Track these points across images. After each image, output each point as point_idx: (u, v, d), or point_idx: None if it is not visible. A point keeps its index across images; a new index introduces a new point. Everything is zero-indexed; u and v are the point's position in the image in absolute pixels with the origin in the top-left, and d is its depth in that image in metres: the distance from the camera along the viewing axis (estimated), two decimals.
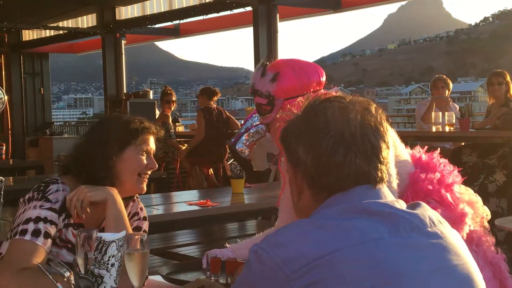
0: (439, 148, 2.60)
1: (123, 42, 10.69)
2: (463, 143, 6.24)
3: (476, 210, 2.35)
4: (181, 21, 10.21)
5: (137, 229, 2.21)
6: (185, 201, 4.45)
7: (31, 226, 1.94)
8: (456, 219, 2.29)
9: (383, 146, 1.34)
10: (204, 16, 9.00)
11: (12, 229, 2.00)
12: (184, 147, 8.12)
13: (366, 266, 1.17)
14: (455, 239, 1.32)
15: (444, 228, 1.32)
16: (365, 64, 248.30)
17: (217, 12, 8.70)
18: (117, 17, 10.84)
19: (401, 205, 1.32)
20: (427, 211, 1.33)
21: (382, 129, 1.34)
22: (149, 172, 2.14)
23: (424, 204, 1.36)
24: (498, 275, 2.29)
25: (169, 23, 10.52)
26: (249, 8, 8.17)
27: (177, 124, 9.38)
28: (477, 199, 2.38)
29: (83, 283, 1.49)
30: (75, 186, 2.06)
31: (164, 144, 7.87)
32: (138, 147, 2.10)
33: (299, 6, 8.57)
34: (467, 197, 2.37)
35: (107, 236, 1.51)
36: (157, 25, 10.56)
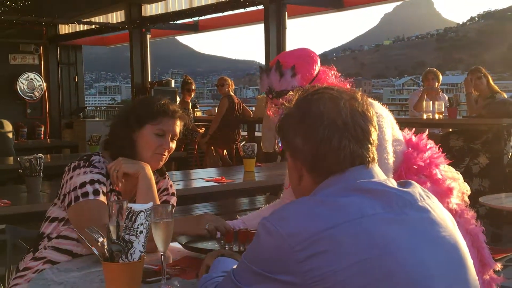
0: (427, 130, 2.59)
1: (148, 36, 10.65)
2: (450, 129, 6.21)
3: (458, 186, 2.35)
4: (200, 18, 10.16)
5: (165, 202, 2.21)
6: (203, 177, 4.47)
7: (89, 188, 1.95)
8: (443, 193, 2.29)
9: (372, 129, 1.34)
10: (221, 13, 8.95)
11: (64, 195, 1.99)
12: (201, 130, 8.13)
13: (363, 239, 1.17)
14: (442, 212, 1.32)
15: (432, 202, 1.32)
16: (363, 58, 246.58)
17: (232, 10, 8.64)
18: (143, 14, 10.79)
19: (393, 183, 1.32)
20: (416, 188, 1.33)
21: (369, 114, 1.34)
22: (165, 152, 2.11)
23: (413, 182, 1.35)
24: (476, 244, 2.29)
25: (189, 20, 10.47)
26: (260, 7, 8.12)
27: (195, 109, 9.37)
28: (459, 177, 2.38)
29: (115, 247, 1.49)
30: (111, 160, 2.07)
31: (184, 128, 7.87)
32: (154, 126, 2.08)
33: (306, 5, 8.50)
34: (450, 174, 2.37)
35: (136, 206, 1.51)
36: (178, 21, 10.52)
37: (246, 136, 8.58)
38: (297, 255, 1.16)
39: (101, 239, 1.51)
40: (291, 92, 1.44)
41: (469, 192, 2.38)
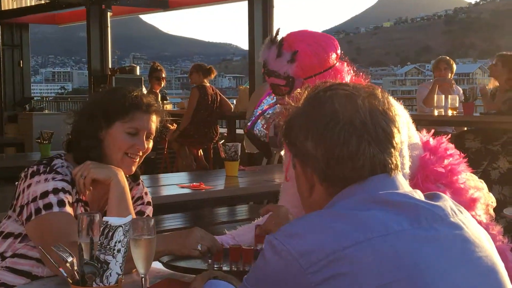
0: (450, 135, 2.62)
1: (109, 14, 10.59)
2: (465, 128, 6.27)
3: (483, 196, 2.39)
4: None
5: (140, 213, 2.20)
6: (177, 183, 4.45)
7: (53, 198, 1.93)
8: (466, 205, 2.32)
9: (395, 130, 1.34)
10: None
11: (21, 206, 1.96)
12: (173, 127, 8.10)
13: (389, 260, 1.18)
14: (477, 230, 1.33)
15: (465, 218, 1.33)
16: (359, 42, 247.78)
17: None
18: None
19: (419, 195, 1.32)
20: (447, 201, 1.34)
21: (390, 113, 1.35)
22: (139, 153, 2.10)
23: (443, 195, 1.36)
24: (504, 264, 2.33)
25: None
26: None
27: (165, 102, 9.34)
28: (483, 186, 2.42)
29: (88, 269, 1.48)
30: (75, 164, 2.06)
31: (161, 124, 7.83)
32: (125, 124, 2.06)
33: None
34: (473, 183, 2.40)
35: (113, 220, 1.50)
36: None
37: (225, 134, 8.58)
38: (310, 278, 1.17)
39: (70, 259, 1.50)
40: (298, 91, 1.44)
41: (494, 204, 2.42)
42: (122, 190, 2.02)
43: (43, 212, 1.91)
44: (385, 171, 1.32)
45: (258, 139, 2.45)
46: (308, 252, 1.18)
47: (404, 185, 1.34)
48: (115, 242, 1.51)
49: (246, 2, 8.14)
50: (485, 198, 2.41)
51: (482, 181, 2.46)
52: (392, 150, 1.33)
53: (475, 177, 2.46)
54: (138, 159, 2.11)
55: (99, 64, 10.38)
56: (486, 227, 2.36)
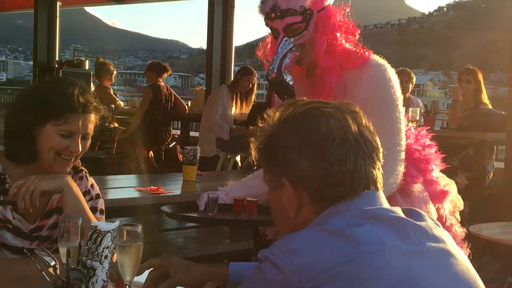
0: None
1: (58, 4, 10.43)
2: None
3: (454, 191, 2.49)
4: None
5: (92, 210, 2.13)
6: (132, 186, 4.42)
7: None
8: (436, 196, 2.41)
9: (379, 144, 1.41)
10: None
11: None
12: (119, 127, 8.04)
13: (386, 274, 1.23)
14: (453, 242, 1.40)
15: (443, 231, 1.40)
16: None
17: None
18: None
19: (398, 211, 1.39)
20: (426, 215, 1.40)
21: (371, 128, 1.41)
22: (74, 154, 2.03)
23: (419, 210, 1.43)
24: None
25: None
26: None
27: (117, 99, 9.25)
28: (454, 187, 2.51)
29: (74, 275, 1.49)
30: (7, 162, 2.02)
31: (102, 121, 7.74)
32: (58, 126, 1.99)
33: None
34: (444, 181, 2.50)
35: (103, 225, 1.51)
36: None
37: (176, 136, 8.56)
38: None
39: (53, 263, 1.50)
40: (271, 111, 1.46)
41: (461, 208, 2.51)
42: (76, 196, 2.00)
43: None
44: (376, 186, 1.39)
45: (285, 87, 2.44)
46: (308, 267, 1.22)
47: (385, 201, 1.41)
48: (103, 248, 1.52)
49: (205, 1, 8.15)
50: (455, 200, 2.51)
51: (453, 181, 2.56)
52: (379, 163, 1.40)
53: (447, 178, 2.55)
54: (73, 159, 2.05)
55: (45, 55, 10.21)
56: (450, 226, 2.46)
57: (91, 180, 2.22)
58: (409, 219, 1.34)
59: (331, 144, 1.34)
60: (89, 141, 2.08)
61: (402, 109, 2.34)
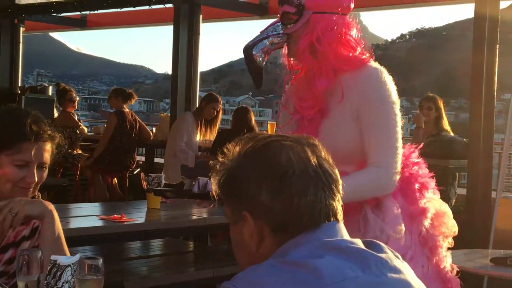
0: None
1: (21, 29, 10.36)
2: None
3: (446, 222, 2.48)
4: (91, 12, 10.00)
5: None
6: (95, 214, 4.38)
7: None
8: (416, 213, 2.41)
9: (338, 176, 1.43)
10: (119, 9, 8.87)
11: None
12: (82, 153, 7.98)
13: None
14: (412, 274, 1.41)
15: (402, 262, 1.41)
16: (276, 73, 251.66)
17: (134, 7, 8.59)
18: (17, 1, 10.47)
19: (359, 242, 1.39)
20: (386, 247, 1.42)
21: (330, 160, 1.43)
22: (31, 185, 2.00)
23: (378, 242, 1.44)
24: None
25: (77, 13, 10.27)
26: (169, 5, 8.15)
27: (80, 125, 9.19)
28: (448, 210, 2.52)
29: None
30: None
31: (58, 149, 7.67)
32: (12, 156, 1.96)
33: (224, 8, 8.64)
34: (437, 204, 2.50)
35: (62, 259, 1.49)
36: (63, 14, 10.28)
37: (141, 162, 8.51)
38: None
39: None
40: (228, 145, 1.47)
41: (456, 233, 2.52)
42: (57, 227, 1.97)
43: None
44: (336, 218, 1.40)
45: (253, 62, 2.46)
46: None
47: (346, 233, 1.41)
48: (63, 283, 1.49)
49: (170, 27, 8.18)
50: (448, 225, 2.50)
51: (447, 205, 2.57)
52: (338, 195, 1.41)
53: (441, 201, 2.55)
54: (31, 189, 2.01)
55: (7, 82, 10.11)
56: (434, 247, 2.45)
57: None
58: (370, 251, 1.35)
59: (291, 176, 1.35)
60: (46, 171, 2.05)
61: (398, 113, 2.38)
